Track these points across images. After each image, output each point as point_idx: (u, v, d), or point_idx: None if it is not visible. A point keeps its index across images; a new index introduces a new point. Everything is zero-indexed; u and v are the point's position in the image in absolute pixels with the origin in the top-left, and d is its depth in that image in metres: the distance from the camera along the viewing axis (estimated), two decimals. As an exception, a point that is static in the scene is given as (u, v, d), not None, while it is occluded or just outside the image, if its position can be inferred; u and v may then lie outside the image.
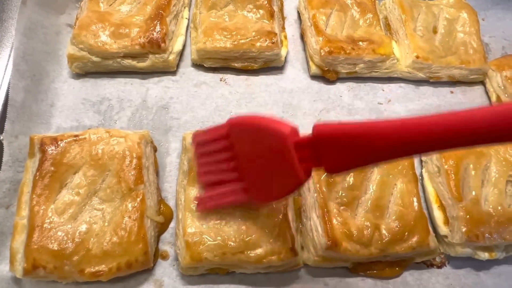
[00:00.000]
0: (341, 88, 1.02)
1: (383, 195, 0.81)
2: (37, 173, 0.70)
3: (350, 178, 0.81)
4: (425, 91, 1.06)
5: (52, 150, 0.73)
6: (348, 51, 0.97)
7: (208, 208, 0.73)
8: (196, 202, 0.74)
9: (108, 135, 0.76)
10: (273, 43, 0.94)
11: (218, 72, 0.98)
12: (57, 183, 0.71)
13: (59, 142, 0.74)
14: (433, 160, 0.90)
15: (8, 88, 0.79)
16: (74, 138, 0.75)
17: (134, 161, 0.75)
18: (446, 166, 0.86)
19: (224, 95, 0.95)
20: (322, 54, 0.96)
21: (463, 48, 1.06)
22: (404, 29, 1.05)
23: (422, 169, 0.93)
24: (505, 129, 0.46)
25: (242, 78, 0.98)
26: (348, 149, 0.55)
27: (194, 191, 0.76)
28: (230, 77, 0.98)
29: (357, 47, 0.98)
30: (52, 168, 0.71)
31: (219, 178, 0.71)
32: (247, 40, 0.93)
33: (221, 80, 0.97)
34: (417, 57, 1.00)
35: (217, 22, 0.96)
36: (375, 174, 0.83)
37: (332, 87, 1.02)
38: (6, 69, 0.82)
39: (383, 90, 1.04)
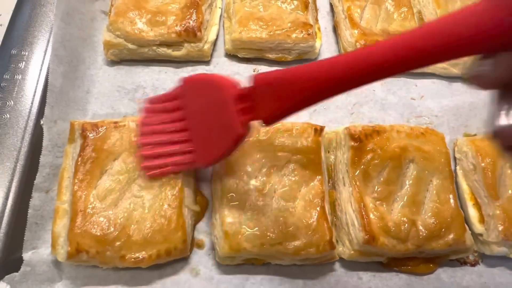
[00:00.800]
0: (374, 82, 1.00)
1: (419, 191, 0.81)
2: (79, 159, 0.71)
3: (385, 173, 0.81)
4: (458, 87, 1.04)
5: (93, 136, 0.73)
6: (383, 45, 0.95)
7: (157, 174, 0.72)
8: (143, 169, 0.73)
9: (147, 122, 0.76)
10: (308, 34, 0.93)
11: (251, 63, 0.97)
12: (98, 169, 0.71)
13: (99, 129, 0.74)
14: (468, 157, 0.89)
15: (48, 73, 0.79)
16: (114, 124, 0.75)
17: (173, 149, 0.75)
18: (483, 164, 0.84)
19: (258, 86, 0.94)
20: (358, 47, 0.95)
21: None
22: (439, 24, 1.03)
23: (456, 166, 0.92)
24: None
25: (276, 69, 0.97)
26: (283, 94, 0.57)
27: (231, 181, 0.76)
28: (263, 68, 0.97)
29: (392, 41, 0.97)
30: (93, 154, 0.71)
31: (167, 139, 0.71)
32: (283, 31, 0.92)
33: (254, 71, 0.97)
34: (453, 53, 0.98)
35: (252, 12, 0.95)
36: (411, 169, 0.82)
37: (365, 81, 1.00)
38: (45, 53, 0.82)
39: (416, 86, 1.02)
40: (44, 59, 0.83)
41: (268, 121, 0.60)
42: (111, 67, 0.92)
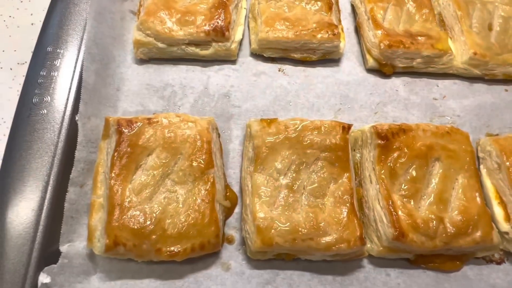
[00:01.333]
0: (396, 82, 1.02)
1: (446, 189, 0.81)
2: (115, 154, 0.72)
3: (412, 171, 0.82)
4: (479, 88, 1.05)
5: (128, 131, 0.74)
6: (407, 45, 0.97)
7: None
8: None
9: (179, 119, 0.78)
10: (334, 35, 0.94)
11: (276, 62, 0.99)
12: (133, 164, 0.72)
13: (134, 125, 0.75)
14: (492, 156, 0.90)
15: (81, 70, 0.81)
16: (148, 121, 0.76)
17: (205, 145, 0.76)
18: (507, 163, 0.85)
19: (283, 85, 0.96)
20: (382, 47, 0.96)
21: (520, 46, 1.05)
22: (459, 26, 1.04)
23: (480, 165, 0.92)
24: None
25: (300, 69, 0.99)
26: None
27: (261, 177, 0.78)
28: (288, 68, 0.99)
29: (415, 41, 0.98)
30: (129, 149, 0.73)
31: None
32: (309, 31, 0.94)
33: (279, 71, 0.98)
34: (475, 53, 1.00)
35: (278, 13, 0.97)
36: (437, 168, 0.83)
37: (388, 81, 1.02)
38: (79, 51, 0.84)
39: (438, 86, 1.04)
40: (78, 57, 0.85)
41: None
42: (140, 65, 0.94)
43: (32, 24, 0.97)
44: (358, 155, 0.89)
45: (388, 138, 0.84)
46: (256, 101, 0.93)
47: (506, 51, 1.04)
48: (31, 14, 0.98)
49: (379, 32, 0.98)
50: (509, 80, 1.06)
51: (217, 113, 0.90)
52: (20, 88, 0.80)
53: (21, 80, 0.83)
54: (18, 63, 0.94)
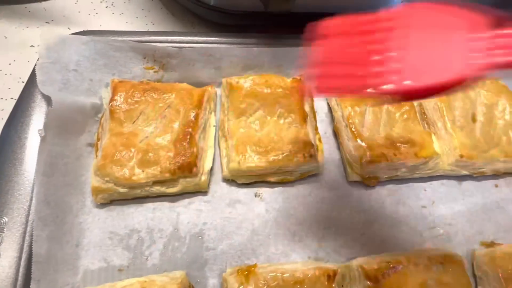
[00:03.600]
0: (381, 193, 0.95)
1: None
2: None
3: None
4: (468, 186, 1.00)
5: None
6: (389, 158, 0.91)
7: (331, 89, 0.58)
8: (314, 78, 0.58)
9: (144, 290, 0.69)
10: (310, 156, 0.87)
11: (252, 186, 0.91)
12: None
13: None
14: (490, 279, 0.84)
15: (31, 241, 0.72)
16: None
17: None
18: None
19: (261, 215, 0.88)
20: (363, 163, 0.89)
21: (505, 137, 1.00)
22: (443, 122, 0.99)
23: (477, 286, 0.86)
24: None
25: (278, 190, 0.92)
26: None
27: None
28: (265, 191, 0.91)
29: (398, 151, 0.92)
30: None
31: (352, 60, 0.56)
32: (284, 155, 0.87)
33: (256, 196, 0.90)
34: (461, 156, 0.94)
35: (249, 135, 0.89)
36: None
37: (372, 192, 0.95)
38: (27, 221, 0.75)
39: (425, 190, 0.97)
40: (25, 228, 0.75)
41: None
42: (102, 209, 0.85)
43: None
44: (347, 292, 0.82)
45: (378, 280, 0.77)
46: (233, 239, 0.84)
47: (493, 145, 0.99)
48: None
49: (359, 144, 0.92)
50: (498, 174, 1.01)
51: (189, 260, 0.81)
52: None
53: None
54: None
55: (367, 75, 0.55)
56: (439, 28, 0.55)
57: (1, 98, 0.98)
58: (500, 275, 0.82)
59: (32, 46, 1.08)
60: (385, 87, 0.54)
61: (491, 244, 0.91)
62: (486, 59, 0.52)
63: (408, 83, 0.53)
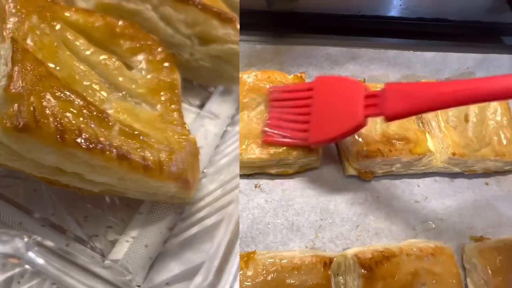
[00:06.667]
0: (377, 187, 0.99)
1: None
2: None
3: None
4: (460, 183, 1.04)
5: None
6: (385, 154, 0.94)
7: (275, 142, 0.90)
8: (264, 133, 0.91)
9: None
10: (310, 149, 0.91)
11: (252, 177, 0.95)
12: None
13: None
14: (478, 271, 0.88)
15: None
16: None
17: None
18: (494, 283, 0.84)
19: (260, 205, 0.92)
20: (360, 158, 0.93)
21: (496, 138, 1.04)
22: (436, 121, 1.03)
23: (466, 278, 0.90)
24: None
25: (277, 182, 0.95)
26: (410, 100, 0.70)
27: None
28: (265, 183, 0.95)
29: (393, 148, 0.96)
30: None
31: (289, 118, 0.89)
32: (284, 148, 0.90)
33: (256, 187, 0.94)
34: (453, 154, 0.98)
35: (251, 128, 0.93)
36: None
37: (368, 186, 0.99)
38: None
39: (419, 186, 1.01)
40: None
41: (390, 119, 0.74)
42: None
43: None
44: (342, 280, 0.86)
45: (372, 268, 0.81)
46: (233, 227, 0.88)
47: (484, 144, 1.03)
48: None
49: (356, 139, 0.95)
50: (488, 173, 1.05)
51: (191, 246, 0.85)
52: None
53: None
54: None
55: (297, 130, 0.88)
56: (339, 92, 0.83)
57: None
58: (488, 267, 0.86)
59: None
60: (298, 141, 0.88)
61: (480, 239, 0.95)
62: (365, 112, 0.76)
63: (315, 138, 0.85)
